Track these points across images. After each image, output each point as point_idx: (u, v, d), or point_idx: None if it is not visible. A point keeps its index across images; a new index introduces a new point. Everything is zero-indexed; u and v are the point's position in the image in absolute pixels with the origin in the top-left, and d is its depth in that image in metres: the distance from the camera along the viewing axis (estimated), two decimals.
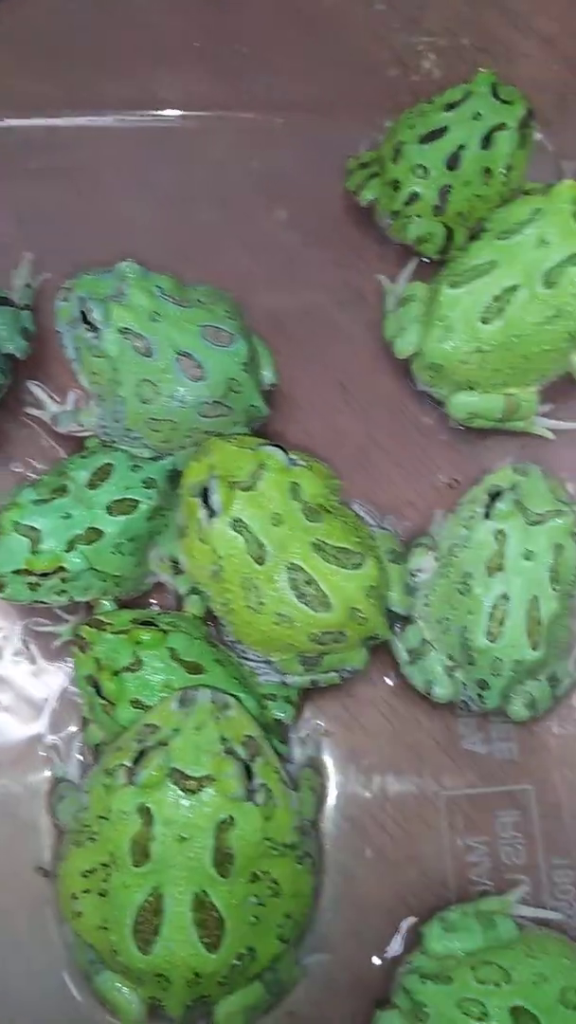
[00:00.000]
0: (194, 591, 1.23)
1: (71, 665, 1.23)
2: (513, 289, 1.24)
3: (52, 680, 1.25)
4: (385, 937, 1.19)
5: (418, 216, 1.39)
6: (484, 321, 1.25)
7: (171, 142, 1.51)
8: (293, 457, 1.18)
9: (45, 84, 1.50)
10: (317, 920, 1.18)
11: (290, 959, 1.12)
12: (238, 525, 1.12)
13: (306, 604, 1.13)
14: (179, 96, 1.53)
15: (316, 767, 1.21)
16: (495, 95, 1.36)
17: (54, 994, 1.14)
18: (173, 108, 1.52)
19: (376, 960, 1.18)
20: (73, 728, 1.23)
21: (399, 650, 1.25)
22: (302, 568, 1.13)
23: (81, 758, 1.20)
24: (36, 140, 1.48)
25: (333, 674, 1.20)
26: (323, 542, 1.14)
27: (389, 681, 1.28)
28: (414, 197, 1.38)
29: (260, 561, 1.12)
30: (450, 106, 1.39)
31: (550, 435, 1.38)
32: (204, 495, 1.13)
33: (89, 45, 1.52)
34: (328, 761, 1.25)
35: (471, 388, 1.31)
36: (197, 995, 1.04)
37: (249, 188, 1.49)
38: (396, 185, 1.39)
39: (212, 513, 1.12)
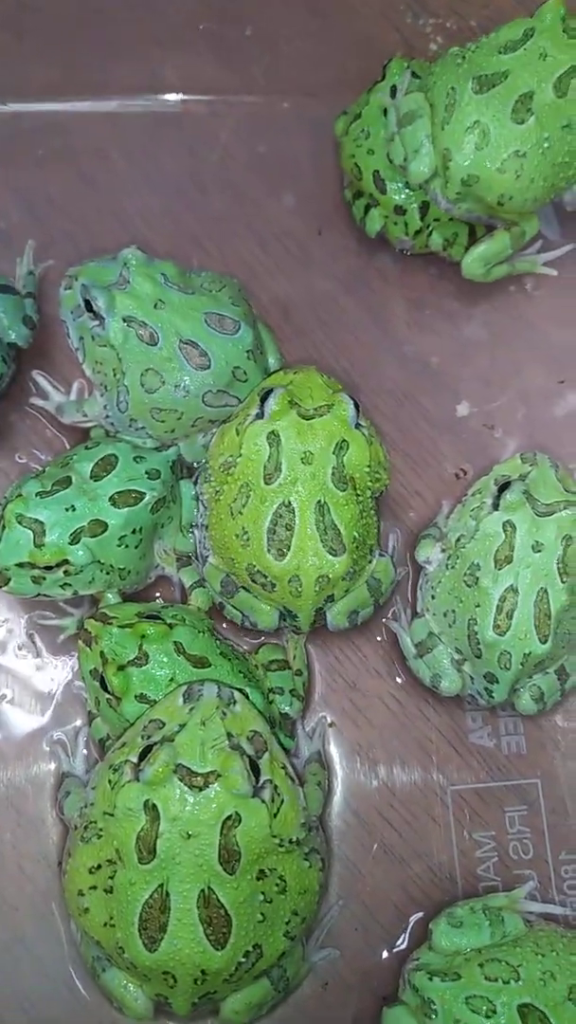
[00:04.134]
0: (199, 584, 1.22)
1: (76, 659, 1.22)
2: (530, 95, 1.23)
3: (57, 674, 1.24)
4: (392, 933, 1.18)
5: (435, 220, 1.35)
6: (519, 122, 1.23)
7: (177, 127, 1.48)
8: (362, 423, 1.17)
9: (51, 70, 1.47)
10: (324, 916, 1.17)
11: (297, 956, 1.12)
12: (272, 438, 1.13)
13: (268, 540, 1.13)
14: (184, 80, 1.49)
15: (322, 762, 1.20)
16: None
17: (60, 990, 1.14)
18: (179, 92, 1.49)
19: (384, 956, 1.17)
20: (79, 722, 1.22)
21: (406, 644, 1.24)
22: (294, 512, 1.13)
23: (86, 752, 1.19)
24: (43, 126, 1.45)
25: (237, 612, 1.21)
26: (329, 508, 1.13)
27: (396, 675, 1.27)
28: (425, 207, 1.34)
29: (268, 479, 1.13)
30: None
31: (553, 271, 1.40)
32: (265, 396, 1.14)
33: (94, 30, 1.49)
34: (335, 755, 1.24)
35: (500, 205, 1.27)
36: (203, 993, 1.03)
37: (256, 173, 1.46)
38: (400, 210, 1.36)
39: (260, 415, 1.13)
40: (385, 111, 1.36)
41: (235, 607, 1.20)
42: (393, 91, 1.35)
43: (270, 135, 1.48)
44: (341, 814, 1.22)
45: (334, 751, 1.24)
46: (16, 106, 1.46)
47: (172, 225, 1.43)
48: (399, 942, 1.18)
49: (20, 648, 1.24)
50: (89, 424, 1.27)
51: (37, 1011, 1.14)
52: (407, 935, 1.18)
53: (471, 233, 1.37)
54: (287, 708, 1.18)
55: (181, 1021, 1.10)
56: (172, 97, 1.50)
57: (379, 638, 1.27)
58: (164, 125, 1.49)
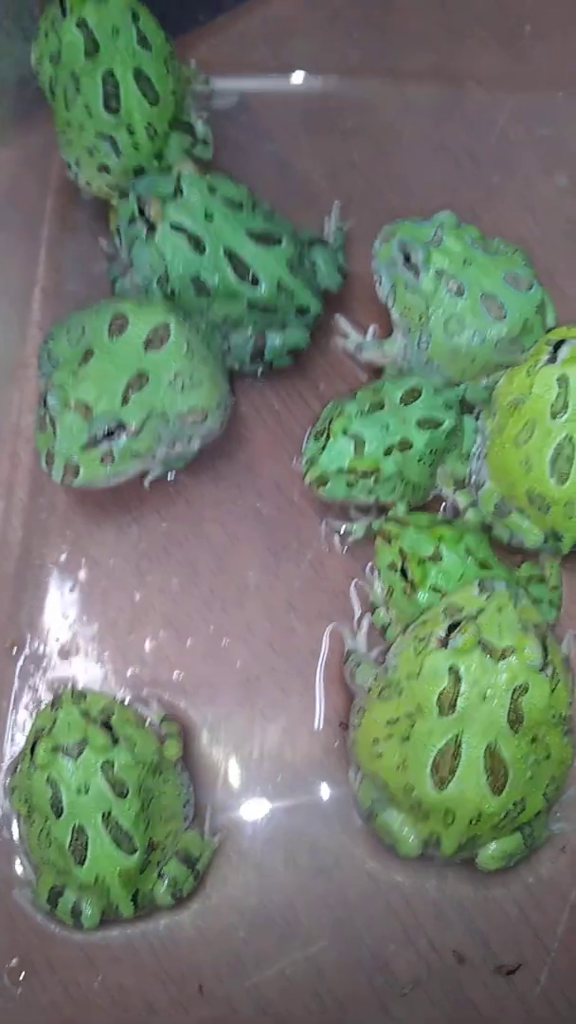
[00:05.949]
0: (472, 504, 1.42)
1: (356, 560, 1.44)
2: None
3: (342, 570, 1.46)
4: None
5: None
6: None
7: (460, 108, 1.68)
8: None
9: (356, 51, 1.68)
10: (565, 793, 1.35)
11: (543, 820, 1.31)
12: (562, 381, 1.31)
13: (552, 470, 1.32)
14: (469, 69, 1.69)
15: (570, 665, 1.38)
16: None
17: (338, 831, 1.37)
18: (463, 80, 1.69)
19: None
20: (358, 611, 1.43)
21: None
22: (575, 446, 1.30)
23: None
24: (348, 102, 1.67)
25: (506, 531, 1.39)
26: None
27: None
28: None
29: (555, 415, 1.31)
30: None
31: None
32: (558, 345, 1.33)
33: (395, 18, 1.70)
34: None
35: None
36: (472, 834, 1.23)
37: (532, 155, 1.64)
38: None
39: (552, 360, 1.32)
40: None
41: (506, 526, 1.39)
42: None
43: (547, 121, 1.66)
44: None
45: None
46: (325, 81, 1.69)
47: (451, 195, 1.62)
48: None
49: (315, 549, 1.47)
50: (384, 362, 1.48)
51: (320, 849, 1.37)
52: None
53: None
54: (546, 616, 1.37)
55: (440, 865, 1.31)
56: (457, 83, 1.69)
57: None
58: (448, 107, 1.68)
